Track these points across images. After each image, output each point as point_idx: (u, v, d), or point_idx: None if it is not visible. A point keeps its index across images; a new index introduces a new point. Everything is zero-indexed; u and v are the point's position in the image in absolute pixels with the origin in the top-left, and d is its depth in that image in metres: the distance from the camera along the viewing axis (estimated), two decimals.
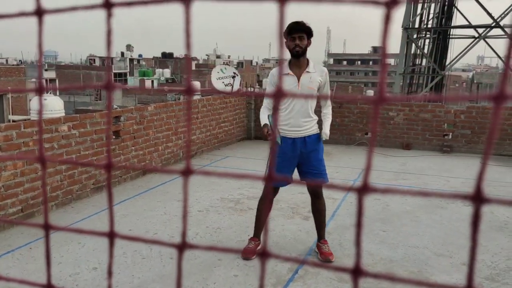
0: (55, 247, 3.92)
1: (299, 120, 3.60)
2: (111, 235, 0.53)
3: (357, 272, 0.45)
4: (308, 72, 3.59)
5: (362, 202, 0.47)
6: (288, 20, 3.49)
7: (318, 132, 3.71)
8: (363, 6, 0.42)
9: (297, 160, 3.67)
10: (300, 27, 3.47)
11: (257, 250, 3.77)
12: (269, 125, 3.60)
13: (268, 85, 3.74)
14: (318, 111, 3.71)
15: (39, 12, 0.59)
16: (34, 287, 0.60)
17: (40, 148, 0.58)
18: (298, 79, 3.57)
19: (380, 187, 0.48)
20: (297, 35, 3.48)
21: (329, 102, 3.82)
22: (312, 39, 3.58)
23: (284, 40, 3.52)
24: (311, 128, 3.66)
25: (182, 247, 0.52)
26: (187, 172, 0.51)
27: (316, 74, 3.61)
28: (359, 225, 0.45)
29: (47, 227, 0.56)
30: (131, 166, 0.65)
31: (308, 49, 3.58)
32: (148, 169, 0.64)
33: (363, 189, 0.46)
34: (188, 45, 0.49)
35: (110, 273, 0.56)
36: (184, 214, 0.54)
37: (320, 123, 3.77)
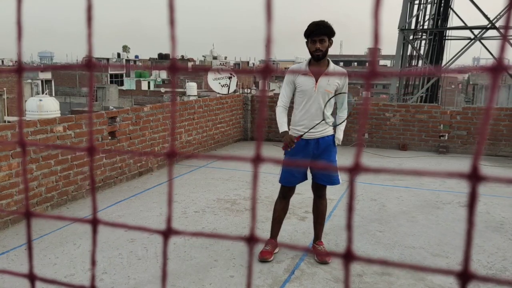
0: (50, 248, 3.90)
1: (314, 121, 3.52)
2: (94, 222, 0.52)
3: (348, 257, 0.45)
4: (327, 74, 3.52)
5: (354, 183, 0.46)
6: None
7: (333, 134, 3.65)
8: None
9: (309, 162, 3.60)
10: (321, 30, 3.36)
11: (274, 252, 3.76)
12: (289, 133, 3.53)
13: (284, 83, 3.63)
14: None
15: None
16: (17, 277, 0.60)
17: (20, 133, 0.58)
18: (316, 81, 3.49)
19: (372, 166, 0.48)
20: (317, 38, 3.38)
21: (345, 105, 3.68)
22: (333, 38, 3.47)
23: (305, 40, 3.47)
24: (326, 130, 3.59)
25: (168, 233, 0.51)
26: (171, 155, 0.50)
27: (335, 77, 3.53)
28: (350, 209, 0.45)
29: (28, 215, 0.56)
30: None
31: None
32: (135, 154, 0.64)
33: (355, 169, 0.46)
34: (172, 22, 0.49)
35: (93, 262, 0.55)
36: (169, 200, 0.53)
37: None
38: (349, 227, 0.45)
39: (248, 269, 0.50)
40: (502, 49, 0.41)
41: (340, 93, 3.57)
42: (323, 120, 3.53)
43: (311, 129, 3.52)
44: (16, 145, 4.40)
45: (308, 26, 3.40)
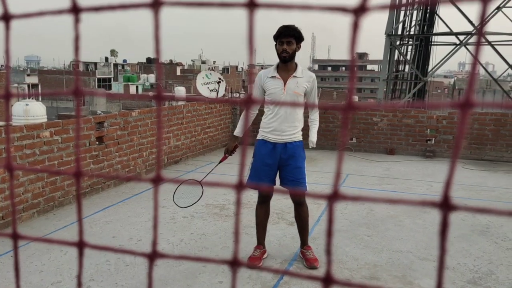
0: (36, 255, 3.85)
1: (282, 125, 3.53)
2: (80, 245, 0.52)
3: (328, 281, 0.45)
4: (295, 76, 3.53)
5: (333, 210, 0.47)
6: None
7: (301, 140, 3.65)
8: (331, 13, 0.43)
9: (277, 166, 3.61)
10: (289, 32, 3.41)
11: (263, 258, 3.76)
12: (237, 139, 3.60)
13: (254, 87, 3.67)
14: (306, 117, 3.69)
15: (6, 17, 0.58)
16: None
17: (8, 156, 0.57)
18: (284, 83, 3.52)
19: (350, 194, 0.49)
20: (285, 39, 3.42)
21: (316, 108, 3.78)
22: (302, 44, 3.52)
23: (274, 43, 3.49)
24: (294, 135, 3.58)
25: (153, 256, 0.51)
26: (157, 180, 0.50)
27: (303, 79, 3.55)
28: (329, 234, 0.45)
29: (16, 237, 0.55)
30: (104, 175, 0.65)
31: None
32: (117, 178, 0.64)
33: (334, 197, 0.46)
34: (157, 51, 0.49)
35: (79, 284, 0.55)
36: (155, 224, 0.53)
37: (307, 130, 3.73)
38: (328, 252, 0.46)
39: None
40: (470, 85, 0.42)
41: (310, 95, 3.62)
42: (294, 124, 3.57)
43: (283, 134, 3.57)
44: (2, 151, 4.34)
45: (278, 29, 3.44)
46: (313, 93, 3.62)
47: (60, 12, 0.59)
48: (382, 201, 0.46)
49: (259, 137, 3.68)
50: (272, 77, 3.55)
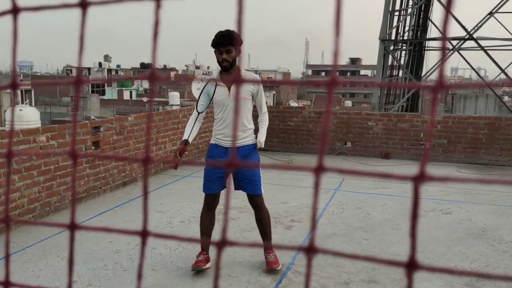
0: (33, 261, 3.82)
1: (232, 130, 3.49)
2: (144, 234, 0.52)
3: (411, 266, 0.47)
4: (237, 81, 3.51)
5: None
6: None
7: (254, 142, 3.65)
8: None
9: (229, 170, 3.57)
10: (226, 41, 3.34)
11: (207, 263, 3.64)
12: (185, 143, 3.56)
13: (200, 94, 3.64)
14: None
15: (15, 10, 0.59)
16: None
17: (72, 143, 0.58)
18: (229, 89, 3.51)
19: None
20: (224, 49, 3.37)
21: (264, 109, 3.73)
22: (241, 47, 3.38)
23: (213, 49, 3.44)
24: (245, 139, 3.58)
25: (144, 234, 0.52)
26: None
27: (248, 83, 3.52)
28: (414, 216, 0.46)
29: (73, 227, 0.56)
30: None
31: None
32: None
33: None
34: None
35: (140, 276, 0.55)
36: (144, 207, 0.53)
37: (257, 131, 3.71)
38: (413, 236, 0.47)
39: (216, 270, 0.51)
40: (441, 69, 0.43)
41: (257, 98, 3.63)
42: (244, 128, 3.56)
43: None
44: None
45: (214, 37, 3.38)
46: (259, 94, 3.62)
47: (68, 6, 0.59)
48: (360, 259, 0.47)
49: (212, 141, 3.70)
50: (217, 84, 3.54)
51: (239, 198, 5.50)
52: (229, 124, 3.54)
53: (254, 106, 3.70)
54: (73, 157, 0.54)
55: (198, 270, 3.57)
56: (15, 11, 0.55)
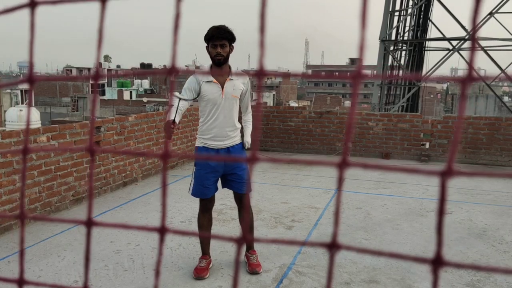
0: (33, 261, 3.82)
1: (224, 129, 3.45)
2: (162, 231, 0.52)
3: (437, 262, 0.47)
4: (231, 79, 3.43)
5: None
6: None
7: (241, 142, 3.62)
8: None
9: (222, 171, 3.53)
10: (222, 34, 3.27)
11: (209, 268, 3.63)
12: (175, 119, 3.22)
13: (184, 89, 3.47)
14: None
15: (33, 3, 0.59)
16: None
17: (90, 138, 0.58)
18: (222, 88, 3.42)
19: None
20: (218, 42, 3.28)
21: (249, 109, 3.70)
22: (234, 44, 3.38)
23: (205, 45, 3.37)
24: (235, 138, 3.54)
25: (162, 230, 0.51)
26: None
27: (239, 82, 3.47)
28: (441, 212, 0.46)
29: (90, 224, 0.56)
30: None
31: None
32: None
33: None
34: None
35: (157, 266, 0.55)
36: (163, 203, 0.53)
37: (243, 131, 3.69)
38: (439, 232, 0.47)
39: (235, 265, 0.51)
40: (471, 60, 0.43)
41: (245, 97, 3.59)
42: (234, 127, 3.51)
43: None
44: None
45: (208, 30, 3.31)
46: (247, 94, 3.59)
47: None
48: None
49: (198, 144, 3.56)
50: (208, 81, 3.42)
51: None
52: (220, 123, 3.44)
53: None
54: (91, 153, 0.55)
55: (199, 279, 3.54)
56: (32, 4, 0.55)
